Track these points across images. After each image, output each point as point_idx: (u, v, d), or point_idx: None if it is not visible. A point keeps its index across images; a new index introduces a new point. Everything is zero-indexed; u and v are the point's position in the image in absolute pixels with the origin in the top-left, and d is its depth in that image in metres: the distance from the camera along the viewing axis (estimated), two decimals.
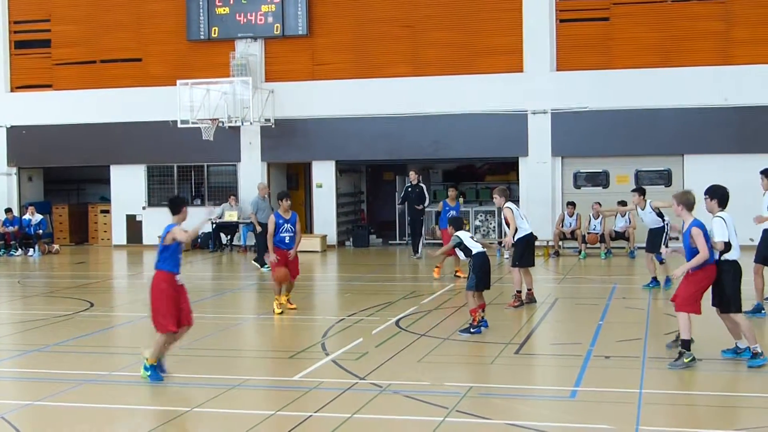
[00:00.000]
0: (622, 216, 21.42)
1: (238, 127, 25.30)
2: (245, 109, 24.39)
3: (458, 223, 12.28)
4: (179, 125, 24.51)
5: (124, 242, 26.77)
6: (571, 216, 22.37)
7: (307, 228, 25.70)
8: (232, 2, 25.55)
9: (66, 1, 26.96)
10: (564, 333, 12.25)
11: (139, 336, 12.71)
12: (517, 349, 10.72)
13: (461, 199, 21.18)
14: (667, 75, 23.12)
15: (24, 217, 25.71)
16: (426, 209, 22.00)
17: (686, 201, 9.70)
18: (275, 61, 25.69)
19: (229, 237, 25.64)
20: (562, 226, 22.40)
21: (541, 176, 23.87)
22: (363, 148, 25.13)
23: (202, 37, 25.82)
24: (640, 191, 15.85)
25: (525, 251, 13.81)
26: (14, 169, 27.65)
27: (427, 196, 21.80)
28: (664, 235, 15.23)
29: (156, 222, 26.03)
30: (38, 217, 25.58)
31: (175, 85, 24.52)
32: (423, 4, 24.64)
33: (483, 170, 28.81)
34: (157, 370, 9.24)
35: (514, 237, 13.62)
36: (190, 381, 9.40)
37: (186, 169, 26.59)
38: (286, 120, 25.22)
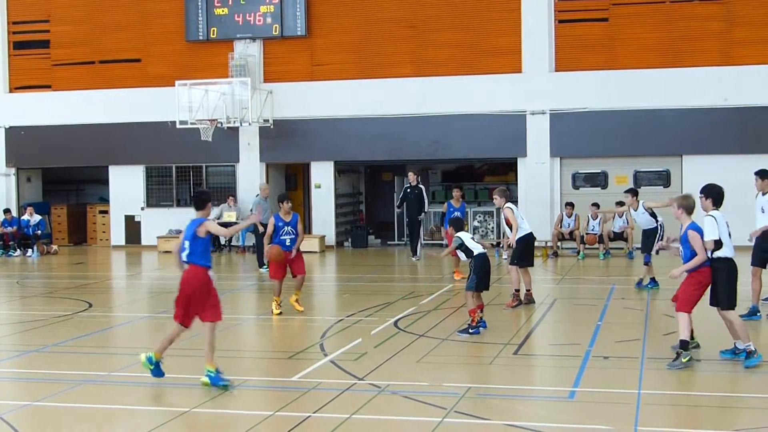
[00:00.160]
0: (620, 217, 21.44)
1: (237, 128, 25.30)
2: (244, 109, 24.39)
3: (458, 224, 12.29)
4: (178, 126, 24.52)
5: (123, 243, 26.76)
6: (569, 217, 22.38)
7: (306, 228, 25.67)
8: (230, 3, 25.55)
9: (65, 2, 26.96)
10: (563, 333, 12.26)
11: (138, 336, 12.73)
12: (515, 350, 10.73)
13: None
14: (666, 75, 23.13)
15: (23, 217, 25.71)
16: (426, 211, 21.99)
17: (686, 205, 9.77)
18: (274, 61, 25.70)
19: (227, 238, 25.65)
20: (561, 227, 22.41)
21: (540, 177, 23.88)
22: (362, 148, 25.14)
23: (200, 37, 25.82)
24: (633, 192, 15.95)
25: (525, 251, 13.82)
26: (13, 170, 27.65)
27: (426, 198, 21.76)
28: (657, 236, 15.29)
29: (155, 222, 26.14)
30: (37, 217, 25.58)
31: (174, 85, 24.53)
32: (422, 5, 24.65)
33: (482, 171, 28.82)
34: (161, 366, 9.13)
35: (516, 235, 13.62)
36: (189, 381, 9.39)
37: (184, 170, 26.58)
38: (284, 120, 25.23)
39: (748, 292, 12.33)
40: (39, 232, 25.41)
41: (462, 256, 12.15)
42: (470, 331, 11.45)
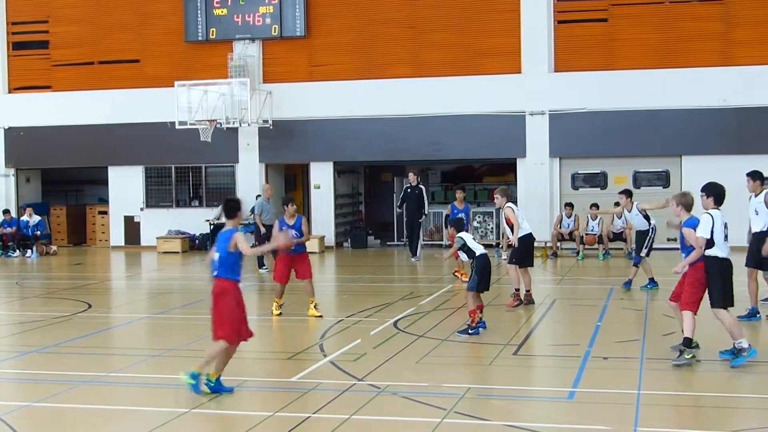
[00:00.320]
0: (618, 218, 21.46)
1: (236, 129, 25.30)
2: (243, 110, 24.39)
3: (459, 225, 12.27)
4: (177, 126, 24.52)
5: (122, 243, 26.76)
6: (569, 217, 22.39)
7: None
8: (230, 3, 25.55)
9: (64, 3, 26.96)
10: (562, 334, 12.26)
11: (137, 337, 12.72)
12: (515, 350, 10.73)
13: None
14: (665, 76, 23.14)
15: (22, 218, 25.68)
16: (426, 212, 22.00)
17: (685, 202, 9.87)
18: (273, 62, 25.70)
19: None
20: (560, 227, 22.42)
21: (539, 177, 23.89)
22: (361, 149, 25.14)
23: (200, 38, 25.81)
24: (628, 193, 16.00)
25: (525, 251, 13.82)
26: (12, 171, 27.64)
27: (426, 199, 21.78)
28: (649, 237, 15.33)
29: (154, 223, 26.12)
30: (36, 218, 25.56)
31: (173, 86, 24.52)
32: (421, 6, 24.65)
33: (481, 171, 28.83)
34: (200, 382, 8.53)
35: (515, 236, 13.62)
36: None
37: (184, 171, 26.58)
38: (284, 121, 25.22)
39: (745, 293, 12.33)
40: (38, 232, 25.40)
41: (464, 256, 12.14)
42: (470, 331, 11.45)
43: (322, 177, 25.52)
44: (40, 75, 27.32)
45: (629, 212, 15.77)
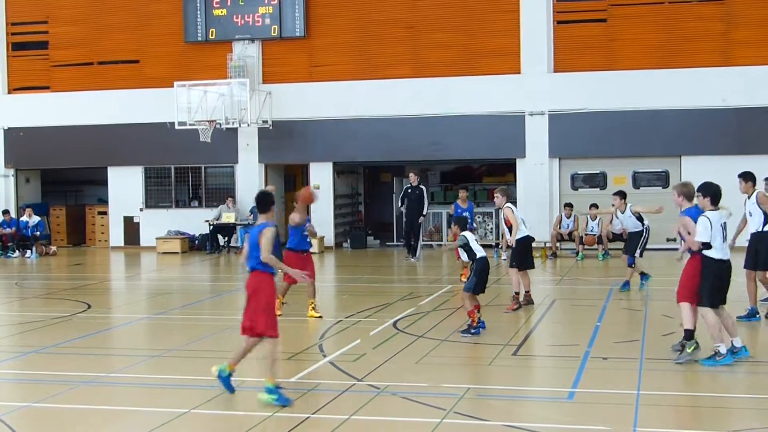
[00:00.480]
0: (610, 221, 21.59)
1: (236, 129, 25.30)
2: (243, 110, 24.39)
3: (463, 223, 12.25)
4: (177, 127, 24.51)
5: (122, 244, 26.75)
6: (568, 217, 22.40)
7: None
8: (229, 4, 25.55)
9: (63, 3, 26.95)
10: (562, 334, 12.26)
11: (136, 338, 12.72)
12: (515, 351, 10.73)
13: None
14: (665, 76, 23.14)
15: (21, 218, 25.67)
16: (425, 213, 22.00)
17: (686, 192, 10.02)
18: (273, 62, 25.70)
19: (226, 238, 25.64)
20: (560, 228, 22.42)
21: (539, 178, 23.89)
22: (360, 149, 25.14)
23: (199, 38, 25.81)
24: (622, 195, 16.02)
25: (524, 253, 13.81)
26: (11, 171, 27.63)
27: (426, 199, 21.80)
28: (642, 238, 15.41)
29: (153, 223, 26.11)
30: (35, 218, 25.55)
31: (173, 86, 24.51)
32: (421, 6, 24.66)
33: (481, 172, 28.84)
34: (281, 390, 8.29)
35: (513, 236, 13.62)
36: (188, 382, 9.40)
37: (183, 171, 26.57)
38: (283, 121, 25.22)
39: (745, 294, 12.34)
40: (38, 233, 25.38)
41: (464, 256, 12.12)
42: (472, 331, 11.45)
43: (321, 177, 25.51)
44: (40, 75, 27.31)
45: (622, 213, 15.79)
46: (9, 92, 27.52)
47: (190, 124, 24.41)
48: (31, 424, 8.10)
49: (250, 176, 25.75)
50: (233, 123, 24.55)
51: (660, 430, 7.53)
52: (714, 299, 9.61)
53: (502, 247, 21.16)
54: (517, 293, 13.69)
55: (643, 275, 15.57)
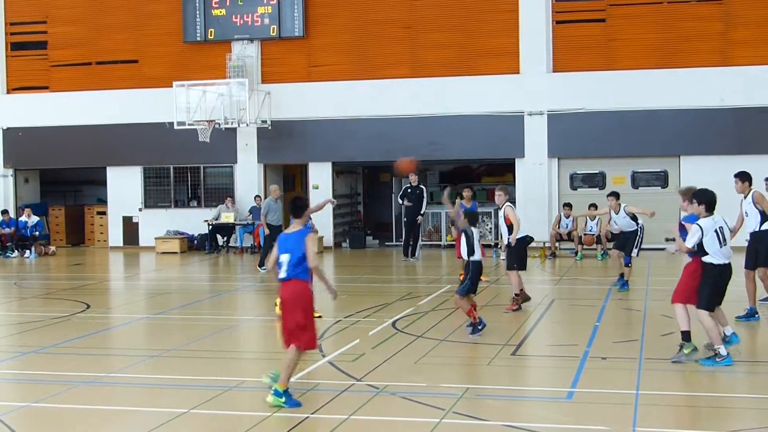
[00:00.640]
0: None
1: (235, 129, 25.30)
2: (242, 110, 24.39)
3: (473, 218, 12.13)
4: (176, 127, 24.50)
5: (121, 244, 26.74)
6: (567, 217, 22.40)
7: None
8: (228, 4, 25.55)
9: (62, 3, 26.95)
10: (561, 334, 12.26)
11: (136, 338, 12.72)
12: (513, 351, 10.74)
13: (459, 200, 21.12)
14: (664, 76, 23.15)
15: (20, 218, 25.67)
16: (423, 212, 22.00)
17: (691, 197, 10.08)
18: (271, 62, 25.70)
19: (225, 238, 25.64)
20: (559, 228, 22.43)
21: (538, 177, 23.89)
22: (359, 149, 25.14)
23: (198, 38, 25.81)
24: (616, 195, 16.04)
25: (524, 253, 13.80)
26: (10, 171, 27.62)
27: (425, 198, 21.82)
28: (637, 238, 15.48)
29: (152, 223, 26.10)
30: (34, 218, 25.53)
31: (172, 86, 24.51)
32: (419, 6, 24.66)
33: (480, 172, 28.83)
34: (291, 395, 8.22)
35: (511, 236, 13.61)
36: (187, 382, 9.39)
37: (182, 171, 26.57)
38: (282, 121, 25.22)
39: (743, 294, 12.35)
40: (37, 233, 25.37)
41: (463, 249, 12.01)
42: (479, 327, 11.47)
43: (320, 177, 25.52)
44: (39, 75, 27.31)
45: (616, 214, 15.81)
46: (8, 92, 27.51)
47: (189, 124, 24.40)
48: (30, 424, 8.10)
49: (249, 176, 25.76)
50: (232, 123, 24.55)
51: (659, 430, 7.54)
52: (711, 303, 9.68)
53: (501, 247, 21.20)
54: (517, 294, 13.65)
55: (621, 278, 15.61)
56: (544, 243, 22.29)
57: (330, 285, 8.63)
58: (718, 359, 9.52)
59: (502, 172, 27.13)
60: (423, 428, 7.57)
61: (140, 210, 26.70)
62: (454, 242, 19.32)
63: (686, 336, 9.74)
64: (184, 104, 24.35)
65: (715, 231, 9.60)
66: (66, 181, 30.06)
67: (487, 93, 24.04)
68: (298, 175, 27.76)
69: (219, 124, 24.46)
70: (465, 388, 8.86)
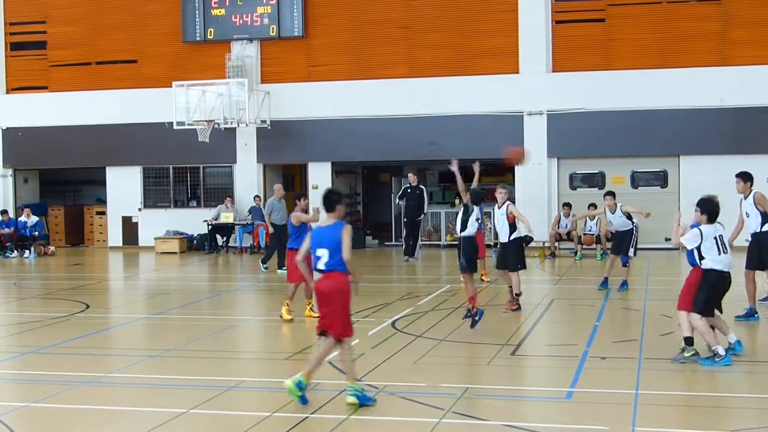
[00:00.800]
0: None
1: (234, 129, 25.29)
2: (241, 110, 24.38)
3: (477, 197, 12.33)
4: (175, 127, 24.49)
5: (120, 244, 26.74)
6: (567, 217, 22.41)
7: None
8: (227, 3, 25.55)
9: (61, 3, 26.94)
10: (560, 334, 12.26)
11: (135, 338, 12.72)
12: (513, 351, 10.74)
13: (457, 200, 21.15)
14: (663, 76, 23.15)
15: (20, 218, 25.67)
16: (425, 212, 22.03)
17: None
18: (271, 62, 25.70)
19: (224, 238, 25.64)
20: (558, 227, 22.43)
21: (537, 177, 23.89)
22: (359, 149, 25.14)
23: (197, 38, 25.80)
24: (612, 195, 16.02)
25: (522, 252, 13.79)
26: (10, 171, 27.62)
27: (426, 199, 21.83)
28: (633, 237, 15.51)
29: (152, 223, 26.10)
30: (34, 218, 25.53)
31: (171, 86, 24.50)
32: (419, 6, 24.66)
33: (479, 171, 28.74)
34: (364, 391, 8.25)
35: (511, 236, 13.60)
36: (186, 382, 9.39)
37: (182, 171, 26.56)
38: (281, 121, 25.22)
39: (743, 293, 12.34)
40: (36, 233, 25.37)
41: (458, 224, 12.13)
42: (476, 318, 11.50)
43: (320, 177, 25.51)
44: (38, 75, 27.30)
45: (612, 213, 15.80)
46: (7, 92, 27.51)
47: (189, 124, 24.40)
48: (29, 425, 8.10)
49: (248, 176, 25.76)
50: (231, 123, 24.54)
51: (659, 429, 7.54)
52: (706, 308, 9.75)
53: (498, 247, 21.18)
54: (518, 294, 13.63)
55: (606, 281, 15.65)
56: (544, 243, 22.29)
57: (357, 281, 8.55)
58: (717, 359, 9.55)
59: (501, 171, 27.07)
60: (422, 428, 7.57)
61: (140, 210, 26.70)
62: (454, 242, 19.36)
63: (689, 341, 9.76)
64: (183, 104, 24.35)
65: (715, 238, 9.71)
66: (65, 181, 30.05)
67: (486, 93, 24.04)
68: (298, 175, 27.76)
69: (218, 124, 24.45)
70: (464, 388, 8.86)
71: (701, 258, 9.72)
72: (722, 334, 10.01)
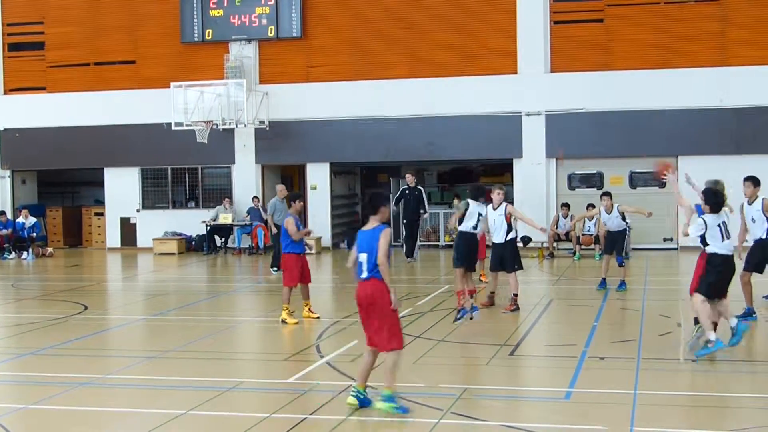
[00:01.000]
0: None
1: (233, 130, 25.27)
2: (239, 111, 24.36)
3: (477, 192, 12.12)
4: (173, 128, 24.46)
5: (118, 245, 26.71)
6: (565, 217, 22.41)
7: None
8: (226, 4, 25.53)
9: (60, 4, 26.91)
10: (558, 334, 12.27)
11: (133, 339, 12.71)
12: (511, 351, 10.74)
13: (456, 200, 21.14)
14: (661, 76, 23.15)
15: (18, 220, 25.65)
16: (426, 211, 22.02)
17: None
18: (269, 63, 25.68)
19: (223, 239, 25.63)
20: (557, 228, 22.43)
21: (536, 178, 23.89)
22: (357, 150, 25.12)
23: (196, 39, 25.79)
24: (609, 195, 16.05)
25: (517, 252, 13.78)
26: (8, 172, 27.59)
27: (425, 200, 21.81)
28: (626, 237, 15.65)
29: (150, 224, 26.09)
30: (32, 220, 25.50)
31: (169, 87, 24.48)
32: (417, 6, 24.65)
33: (477, 172, 28.83)
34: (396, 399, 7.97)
35: (507, 236, 13.60)
36: (185, 383, 9.39)
37: (180, 172, 26.55)
38: (280, 122, 25.21)
39: (740, 294, 12.33)
40: (34, 234, 25.34)
41: (456, 221, 12.06)
42: (457, 316, 11.43)
43: (318, 178, 25.52)
44: (36, 76, 27.28)
45: (608, 214, 15.80)
46: (5, 93, 27.47)
47: (187, 125, 24.37)
48: (28, 426, 8.09)
49: (246, 177, 25.75)
50: (230, 124, 24.52)
51: (657, 429, 7.54)
52: (710, 290, 9.99)
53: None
54: (516, 294, 13.61)
55: (604, 282, 15.67)
56: (542, 243, 22.29)
57: (391, 288, 8.13)
58: (709, 345, 9.69)
59: (500, 172, 27.12)
60: (421, 428, 7.57)
61: (138, 211, 26.67)
62: (452, 243, 19.33)
63: (697, 321, 10.06)
64: (181, 105, 24.30)
65: (719, 225, 10.07)
66: (64, 182, 30.03)
67: (485, 93, 24.03)
68: (296, 176, 27.75)
69: (217, 125, 24.43)
70: (463, 389, 8.86)
71: (705, 244, 10.11)
72: (726, 320, 10.14)
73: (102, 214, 27.31)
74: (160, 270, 22.14)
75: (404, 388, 8.81)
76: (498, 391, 9.05)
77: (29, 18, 27.26)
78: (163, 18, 26.12)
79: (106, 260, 24.70)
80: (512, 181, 24.37)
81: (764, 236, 12.17)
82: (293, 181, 28.00)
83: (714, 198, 10.12)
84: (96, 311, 14.76)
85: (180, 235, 25.84)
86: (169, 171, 26.53)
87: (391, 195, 26.13)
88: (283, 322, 12.80)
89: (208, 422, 8.00)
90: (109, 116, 26.19)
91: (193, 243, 25.82)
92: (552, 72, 23.91)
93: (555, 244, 22.45)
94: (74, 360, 10.73)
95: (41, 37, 27.19)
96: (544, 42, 23.85)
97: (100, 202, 27.81)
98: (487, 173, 28.42)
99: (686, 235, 10.23)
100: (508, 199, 15.34)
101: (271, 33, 25.30)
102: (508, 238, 13.57)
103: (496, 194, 13.64)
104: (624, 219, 15.73)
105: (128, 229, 26.72)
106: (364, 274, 8.11)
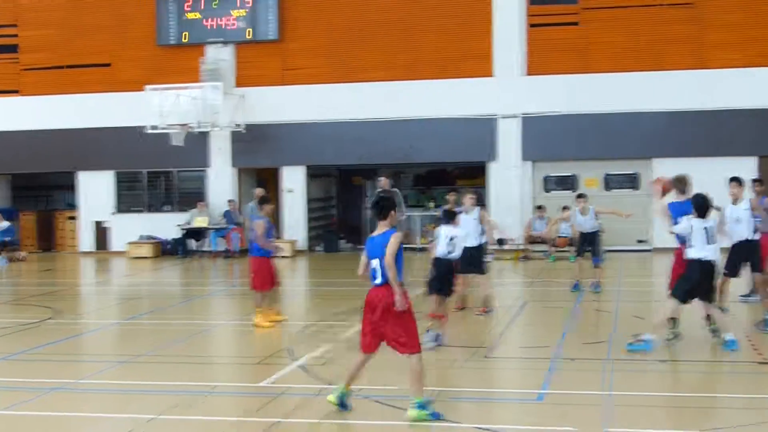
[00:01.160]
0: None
1: (208, 133, 25.16)
2: (215, 114, 24.26)
3: (449, 217, 11.70)
4: (149, 131, 24.31)
5: (92, 249, 26.49)
6: (540, 219, 22.51)
7: (277, 233, 25.54)
8: (202, 7, 25.43)
9: (34, 6, 26.69)
10: (532, 336, 12.31)
11: (106, 344, 12.62)
12: (486, 353, 10.76)
13: (431, 203, 21.17)
14: (637, 79, 23.31)
15: None
16: (403, 213, 21.98)
17: (679, 186, 11.16)
18: (246, 65, 25.61)
19: (198, 243, 25.49)
20: (532, 230, 22.52)
21: (511, 180, 23.97)
22: (334, 153, 25.09)
23: (171, 42, 25.67)
24: (584, 197, 16.18)
25: (483, 258, 13.77)
26: None
27: (402, 203, 21.73)
28: (598, 239, 15.84)
29: (125, 228, 25.90)
30: (5, 224, 25.20)
31: (145, 90, 24.31)
32: (394, 10, 24.68)
33: (454, 175, 28.88)
34: (428, 405, 7.82)
35: (481, 239, 13.62)
36: (157, 388, 9.32)
37: (155, 175, 26.40)
38: (256, 125, 25.12)
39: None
40: (7, 238, 25.07)
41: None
42: (424, 338, 11.22)
43: (294, 181, 25.46)
44: (9, 79, 27.02)
45: (583, 216, 15.90)
46: None
47: (162, 128, 24.22)
48: None
49: (222, 180, 25.65)
50: (206, 127, 24.40)
51: (628, 430, 7.58)
52: (686, 296, 10.21)
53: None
54: (488, 296, 13.62)
55: (577, 285, 15.81)
56: (517, 246, 22.37)
57: (399, 292, 7.94)
58: (641, 342, 10.12)
59: (475, 174, 27.17)
60: (395, 431, 7.55)
61: (112, 214, 26.47)
62: (429, 245, 19.33)
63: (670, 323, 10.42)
64: (157, 108, 24.13)
65: (705, 228, 10.21)
66: (37, 186, 29.76)
67: (461, 96, 24.09)
68: (272, 179, 27.64)
69: (192, 128, 24.28)
70: (437, 391, 8.86)
71: (689, 246, 10.22)
72: (724, 330, 10.39)
73: (75, 218, 27.07)
74: (133, 274, 21.99)
75: (378, 391, 8.81)
76: (472, 393, 9.06)
77: (2, 21, 27.01)
78: (139, 20, 25.98)
79: (79, 264, 24.51)
80: (487, 183, 24.43)
81: (750, 237, 11.88)
82: (268, 184, 27.89)
83: (698, 203, 10.30)
84: (68, 316, 14.63)
85: (155, 238, 25.68)
86: (145, 174, 26.36)
87: (366, 199, 26.19)
88: (255, 326, 12.76)
89: (181, 426, 7.95)
90: (84, 119, 26.00)
91: (168, 247, 25.66)
92: (528, 75, 24.02)
93: (530, 246, 22.54)
94: (46, 365, 10.64)
95: (14, 40, 26.94)
96: (520, 45, 23.95)
97: (73, 206, 27.58)
98: (462, 176, 28.48)
99: (672, 233, 10.49)
100: (483, 201, 15.36)
101: (247, 36, 25.24)
102: (483, 241, 13.58)
103: (469, 199, 13.67)
104: (596, 219, 15.85)
105: (102, 233, 26.51)
106: (378, 279, 8.01)
